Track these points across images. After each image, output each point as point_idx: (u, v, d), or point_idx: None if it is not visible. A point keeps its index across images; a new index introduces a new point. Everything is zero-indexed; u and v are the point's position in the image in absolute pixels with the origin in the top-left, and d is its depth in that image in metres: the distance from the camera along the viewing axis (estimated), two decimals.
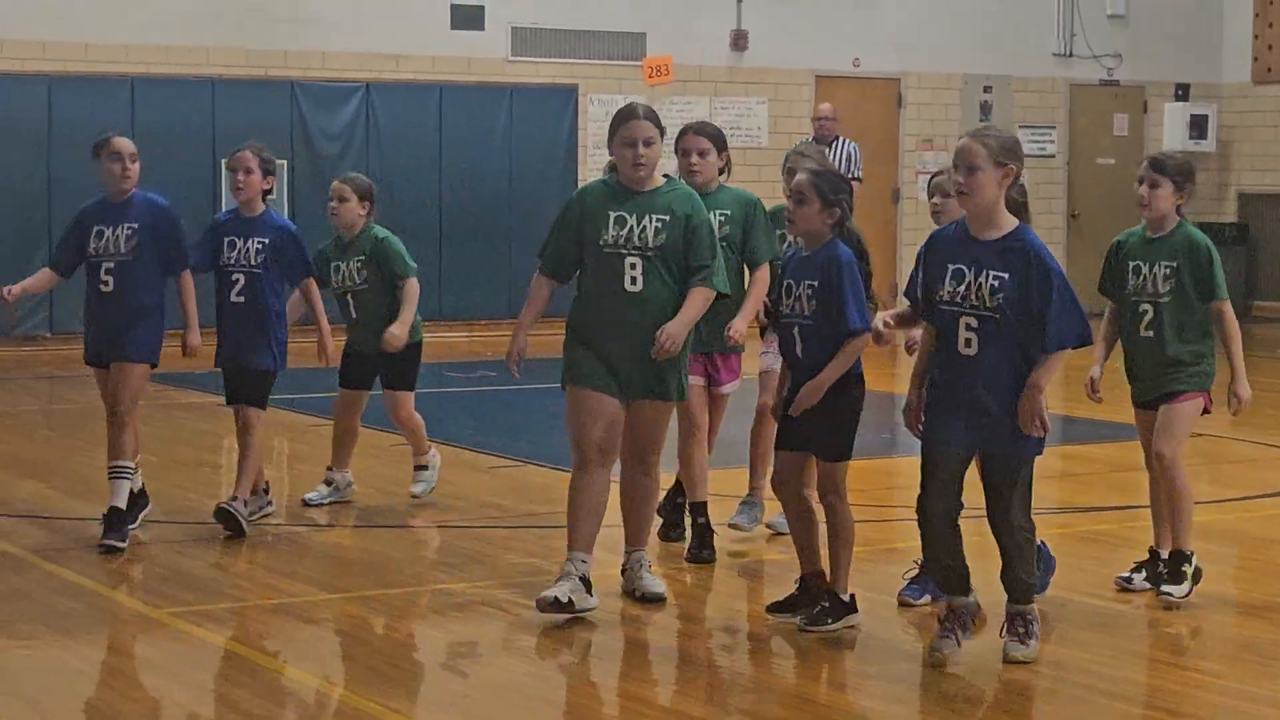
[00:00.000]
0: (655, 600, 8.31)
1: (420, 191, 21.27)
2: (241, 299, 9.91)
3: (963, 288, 7.27)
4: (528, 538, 9.94)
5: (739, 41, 23.25)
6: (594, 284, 8.17)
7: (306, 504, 10.59)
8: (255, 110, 20.43)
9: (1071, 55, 25.50)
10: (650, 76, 21.42)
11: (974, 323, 7.25)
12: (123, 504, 9.43)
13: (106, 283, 9.64)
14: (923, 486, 7.38)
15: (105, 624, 8.16)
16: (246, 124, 20.29)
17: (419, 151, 21.47)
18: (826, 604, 7.91)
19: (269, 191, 10.15)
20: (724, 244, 8.73)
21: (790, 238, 8.71)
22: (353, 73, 21.19)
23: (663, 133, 8.21)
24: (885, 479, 11.81)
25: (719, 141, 9.32)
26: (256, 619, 8.17)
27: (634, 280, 8.06)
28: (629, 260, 8.06)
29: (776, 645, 7.79)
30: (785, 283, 8.01)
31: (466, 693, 7.18)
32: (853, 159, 19.41)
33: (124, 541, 9.34)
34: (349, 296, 10.64)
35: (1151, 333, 8.45)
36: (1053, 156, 25.54)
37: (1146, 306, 8.47)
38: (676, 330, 8.00)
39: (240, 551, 9.44)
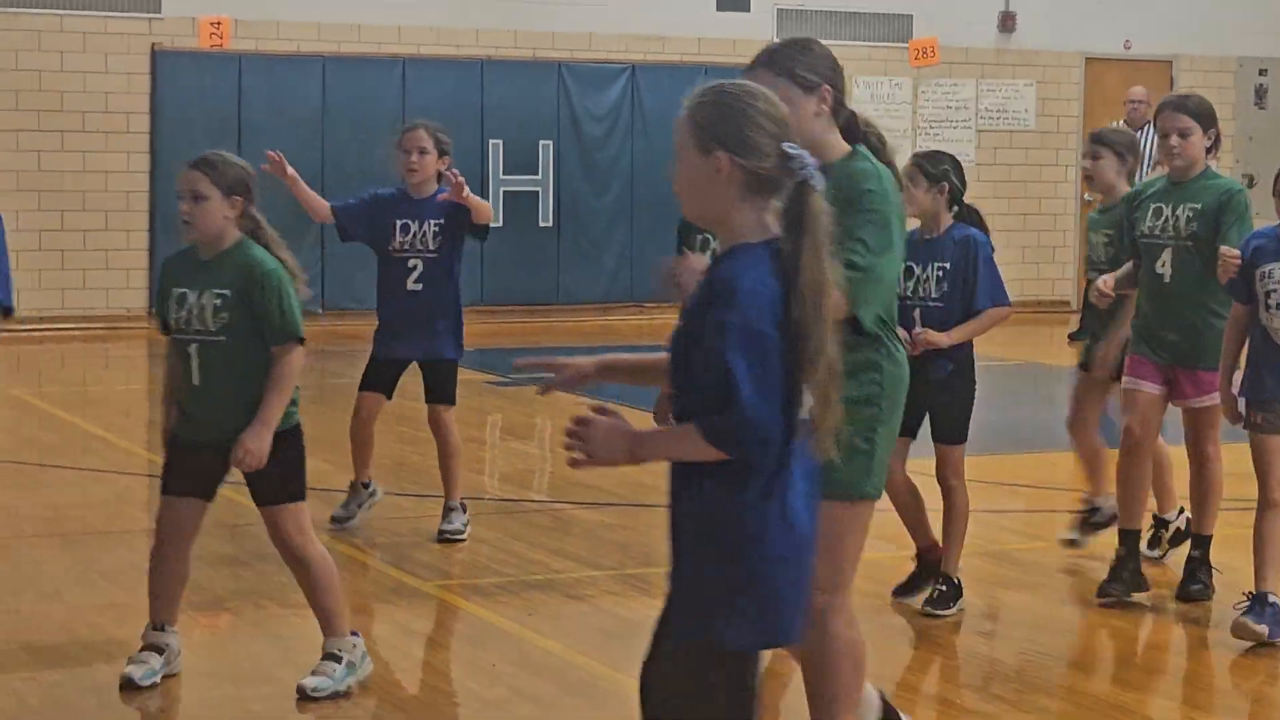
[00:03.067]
0: None
1: None
2: (419, 286, 9.22)
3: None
4: None
5: (1006, 23, 22.95)
6: None
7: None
8: (522, 91, 20.65)
9: None
10: (916, 59, 21.26)
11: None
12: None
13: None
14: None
15: (375, 595, 8.32)
16: (514, 104, 20.58)
17: None
18: (944, 588, 7.95)
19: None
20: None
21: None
22: (619, 54, 21.30)
23: None
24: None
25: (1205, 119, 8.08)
26: (522, 595, 8.28)
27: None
28: None
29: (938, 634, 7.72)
30: (904, 265, 7.91)
31: None
32: None
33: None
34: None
35: None
36: None
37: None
38: None
39: (504, 526, 9.56)
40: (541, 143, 20.95)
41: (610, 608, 8.05)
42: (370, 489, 9.56)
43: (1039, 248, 22.95)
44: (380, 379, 9.38)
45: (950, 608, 7.93)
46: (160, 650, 6.81)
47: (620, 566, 8.82)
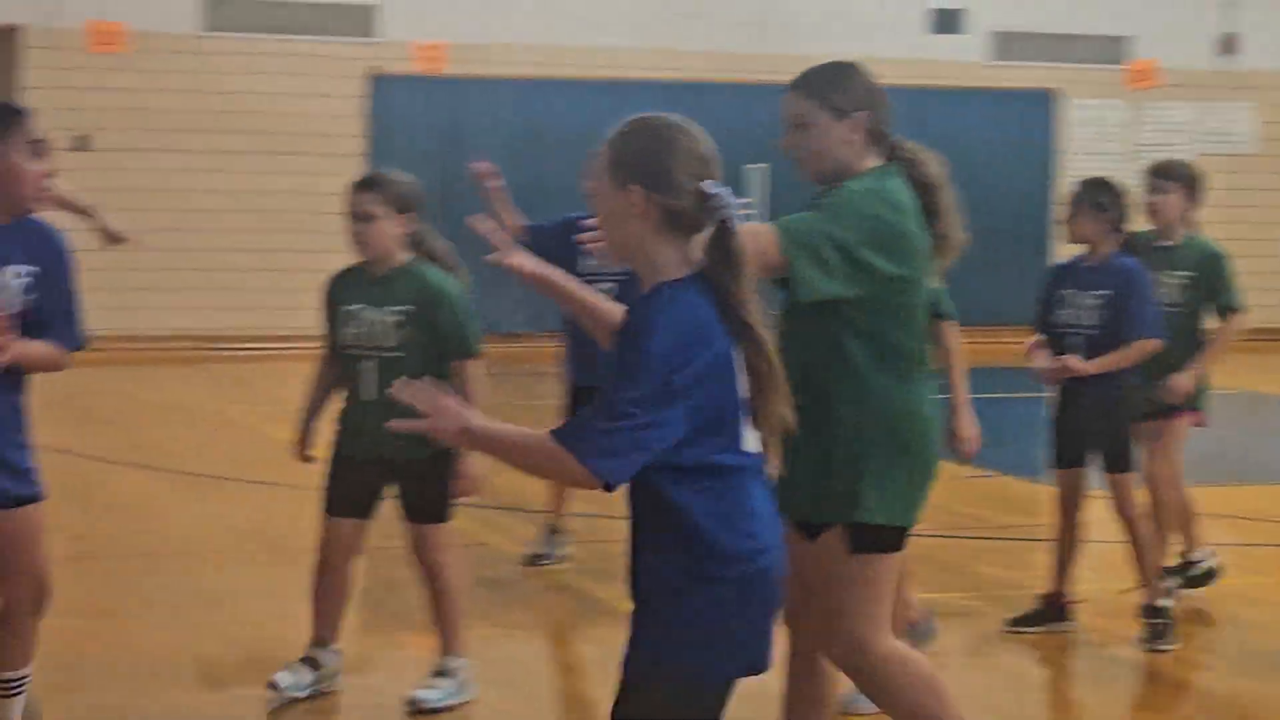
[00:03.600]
0: None
1: None
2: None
3: None
4: (1003, 550, 9.79)
5: (1229, 44, 22.54)
6: None
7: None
8: (736, 115, 20.58)
9: None
10: (1134, 81, 20.96)
11: None
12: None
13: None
14: None
15: (588, 619, 8.30)
16: (728, 128, 20.51)
17: None
18: (1156, 621, 7.81)
19: None
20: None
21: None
22: None
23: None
24: None
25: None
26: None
27: None
28: None
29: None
30: (1063, 291, 7.93)
31: None
32: None
33: None
34: None
35: None
36: None
37: None
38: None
39: None
40: (748, 167, 20.91)
41: None
42: (559, 533, 9.38)
43: (1263, 274, 22.47)
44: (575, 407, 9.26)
45: (1165, 640, 7.78)
46: (316, 665, 6.86)
47: None
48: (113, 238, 8.03)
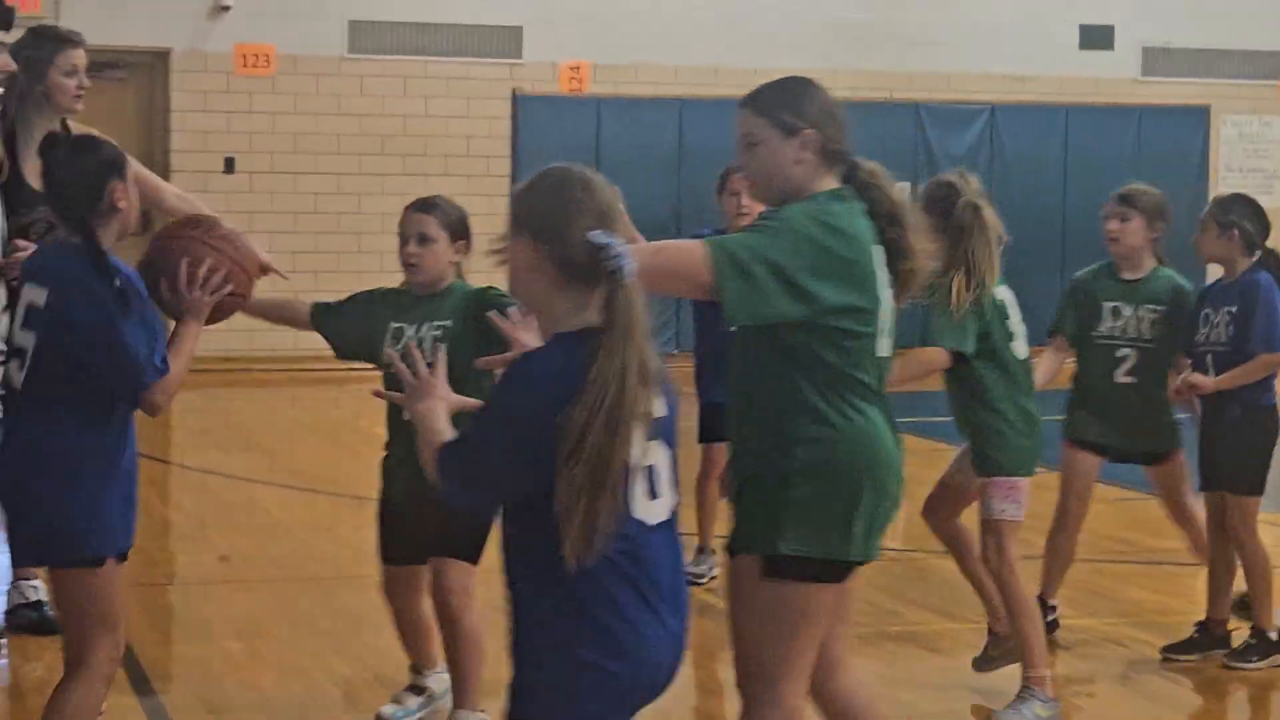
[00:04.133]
0: None
1: (1044, 215, 20.91)
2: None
3: None
4: (1154, 574, 9.61)
5: None
6: None
7: None
8: (879, 133, 20.48)
9: None
10: None
11: None
12: None
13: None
14: None
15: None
16: (870, 146, 20.35)
17: (1044, 174, 21.14)
18: (1254, 641, 7.75)
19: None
20: None
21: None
22: (978, 94, 21.01)
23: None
24: None
25: None
26: (881, 646, 8.10)
27: None
28: None
29: None
30: (1204, 311, 7.82)
31: None
32: None
33: None
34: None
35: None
36: None
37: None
38: None
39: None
40: (899, 184, 20.76)
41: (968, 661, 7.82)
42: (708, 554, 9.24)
43: None
44: (711, 426, 9.15)
45: (1254, 660, 7.69)
46: (419, 691, 6.80)
47: (981, 619, 8.59)
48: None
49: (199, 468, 13.01)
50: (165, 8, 19.03)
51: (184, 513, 11.56)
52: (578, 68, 19.96)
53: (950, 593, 9.20)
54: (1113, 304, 8.01)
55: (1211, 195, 21.45)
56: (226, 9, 19.11)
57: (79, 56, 7.67)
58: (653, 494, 3.91)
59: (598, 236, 3.87)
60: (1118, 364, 7.98)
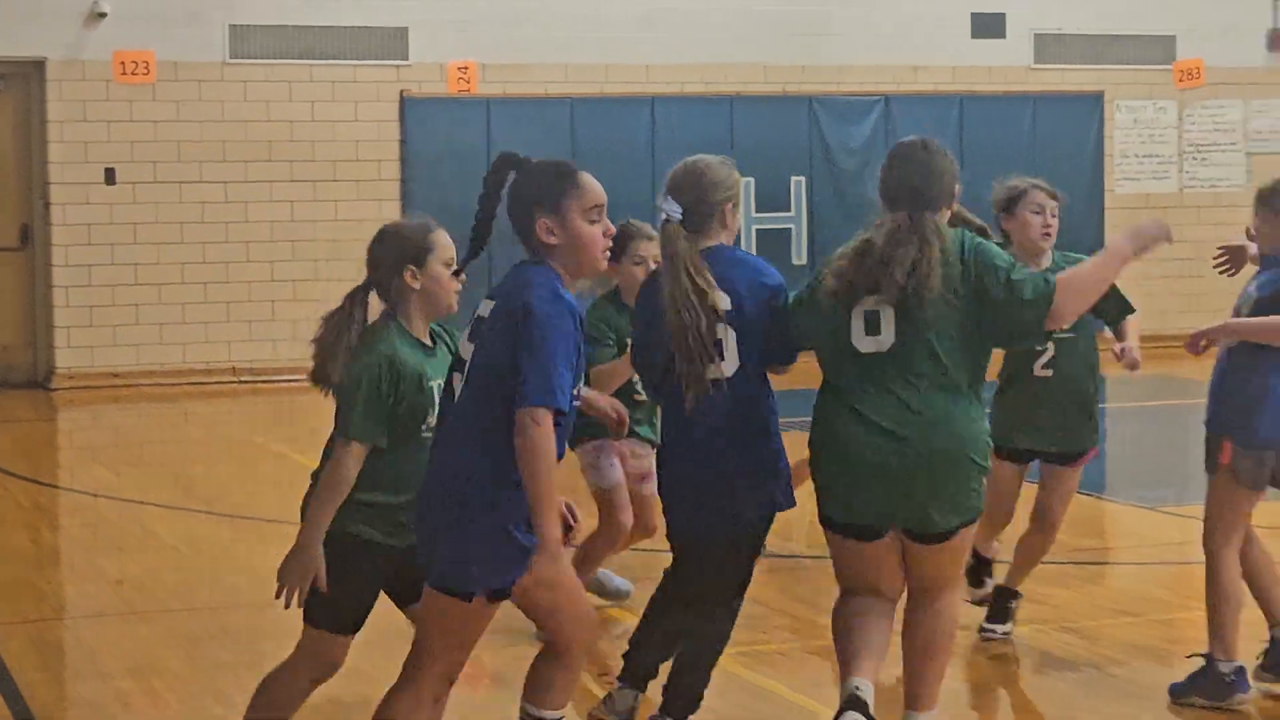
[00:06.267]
0: None
1: None
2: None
3: None
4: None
5: (1276, 41, 22.09)
6: None
7: None
8: (773, 126, 20.30)
9: None
10: (1181, 81, 20.52)
11: None
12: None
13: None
14: None
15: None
16: (764, 140, 20.20)
17: None
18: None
19: None
20: None
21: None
22: (871, 85, 20.83)
23: None
24: None
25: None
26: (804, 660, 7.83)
27: None
28: None
29: None
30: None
31: None
32: None
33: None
34: None
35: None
36: None
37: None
38: None
39: (777, 583, 9.12)
40: (794, 179, 20.58)
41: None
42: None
43: None
44: None
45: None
46: None
47: None
48: None
49: (87, 490, 12.56)
50: (39, 16, 18.55)
51: (72, 539, 11.14)
52: (466, 68, 19.63)
53: None
54: None
55: (1108, 182, 21.48)
56: (103, 16, 18.63)
57: None
58: None
59: None
60: (1036, 357, 7.76)
